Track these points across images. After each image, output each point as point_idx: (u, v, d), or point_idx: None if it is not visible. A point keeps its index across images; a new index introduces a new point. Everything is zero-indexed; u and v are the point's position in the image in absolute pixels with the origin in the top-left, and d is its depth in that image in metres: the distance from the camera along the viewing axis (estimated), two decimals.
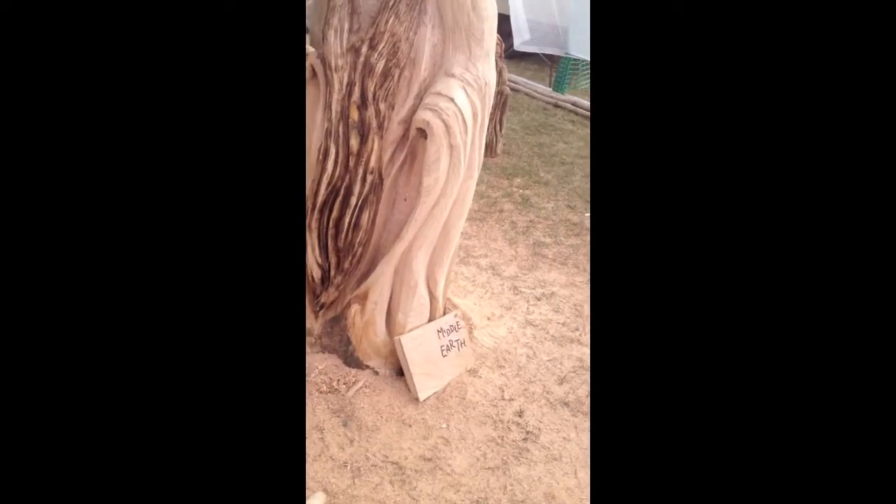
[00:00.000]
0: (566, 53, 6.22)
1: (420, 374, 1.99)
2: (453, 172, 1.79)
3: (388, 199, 1.85)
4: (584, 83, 7.01)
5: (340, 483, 1.66)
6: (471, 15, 1.66)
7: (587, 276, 3.07)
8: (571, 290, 2.93)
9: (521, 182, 4.20)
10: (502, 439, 1.93)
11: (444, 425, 1.93)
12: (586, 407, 2.10)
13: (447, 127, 1.69)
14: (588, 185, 4.29)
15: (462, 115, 1.71)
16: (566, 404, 2.12)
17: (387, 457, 1.77)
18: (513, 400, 2.10)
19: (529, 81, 6.92)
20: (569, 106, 6.10)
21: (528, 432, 1.97)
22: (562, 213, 3.82)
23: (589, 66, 6.78)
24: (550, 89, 6.41)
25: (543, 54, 6.45)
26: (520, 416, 2.04)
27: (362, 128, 1.67)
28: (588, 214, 3.84)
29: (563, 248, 3.34)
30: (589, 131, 5.64)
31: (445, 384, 2.08)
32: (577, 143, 5.31)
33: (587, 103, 6.19)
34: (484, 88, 1.76)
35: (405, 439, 1.85)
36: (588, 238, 3.49)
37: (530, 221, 3.62)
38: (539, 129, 5.56)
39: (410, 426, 1.90)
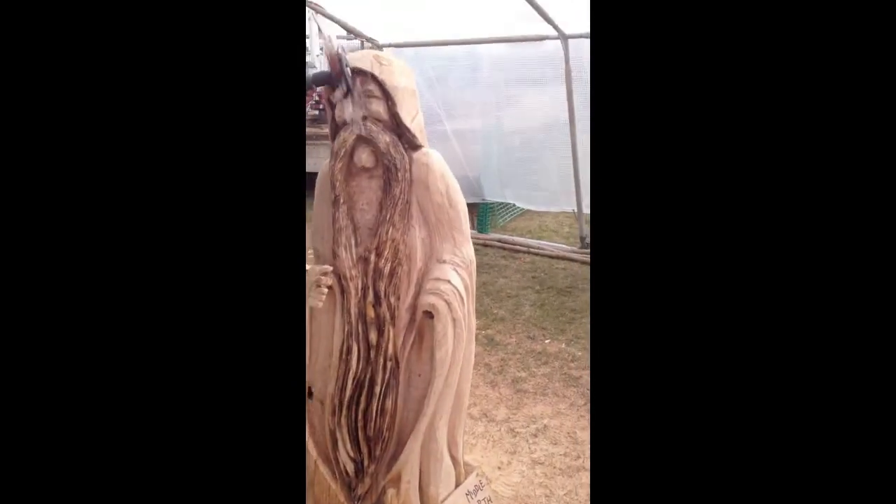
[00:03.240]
0: (483, 200, 6.92)
1: None
2: (458, 341, 2.01)
3: (403, 379, 2.01)
4: (501, 221, 7.73)
5: None
6: (449, 212, 2.00)
7: (569, 402, 3.27)
8: (560, 419, 3.10)
9: (480, 324, 4.46)
10: None
11: None
12: None
13: (449, 304, 1.94)
14: (537, 315, 4.63)
15: (458, 291, 1.97)
16: None
17: None
18: None
19: None
20: (496, 244, 6.67)
21: None
22: (525, 345, 4.08)
23: (502, 206, 7.51)
24: (476, 232, 7.01)
25: None
26: None
27: (379, 322, 1.88)
28: (548, 341, 4.13)
29: (539, 379, 3.55)
30: (520, 263, 6.15)
31: None
32: (514, 275, 5.75)
33: (511, 238, 6.80)
34: (470, 266, 2.06)
35: None
36: (556, 365, 3.75)
37: (501, 360, 3.83)
38: (478, 269, 5.99)
39: None
